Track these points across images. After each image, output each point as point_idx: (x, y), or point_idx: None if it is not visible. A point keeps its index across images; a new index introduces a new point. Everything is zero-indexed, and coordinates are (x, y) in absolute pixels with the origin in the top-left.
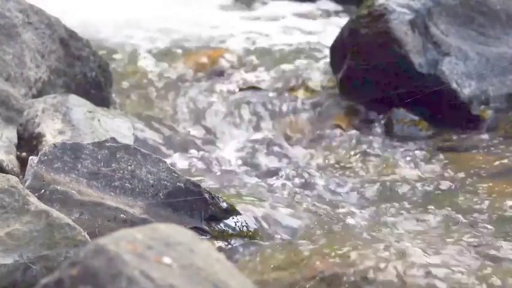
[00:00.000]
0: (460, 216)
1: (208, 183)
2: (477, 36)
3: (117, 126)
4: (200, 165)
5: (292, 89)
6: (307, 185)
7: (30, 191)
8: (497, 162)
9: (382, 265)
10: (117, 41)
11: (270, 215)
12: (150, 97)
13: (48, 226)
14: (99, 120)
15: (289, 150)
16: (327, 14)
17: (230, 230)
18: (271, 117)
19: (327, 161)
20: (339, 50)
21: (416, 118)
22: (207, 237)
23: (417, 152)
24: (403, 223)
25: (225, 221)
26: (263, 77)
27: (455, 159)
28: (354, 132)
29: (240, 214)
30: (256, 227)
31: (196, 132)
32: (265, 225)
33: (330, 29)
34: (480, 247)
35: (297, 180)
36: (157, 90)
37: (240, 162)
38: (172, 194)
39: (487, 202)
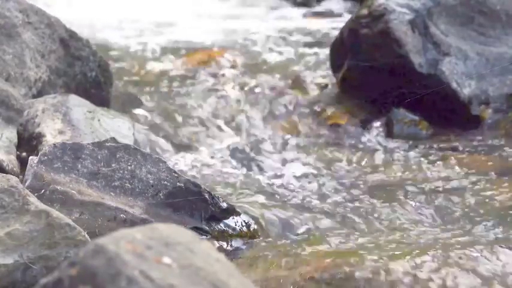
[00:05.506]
0: (460, 215)
1: (208, 183)
2: (477, 36)
3: (117, 126)
4: (200, 165)
5: (292, 89)
6: (307, 185)
7: (30, 191)
8: (497, 162)
9: (383, 265)
10: (117, 41)
11: (270, 215)
12: (151, 97)
13: (48, 226)
14: (99, 120)
15: (289, 150)
16: (327, 14)
17: (230, 230)
18: (271, 117)
19: (326, 161)
20: (338, 50)
21: (416, 118)
22: (207, 237)
23: (417, 152)
24: (403, 223)
25: (225, 221)
26: (263, 76)
27: (455, 159)
28: (354, 132)
29: (240, 214)
30: (256, 227)
31: (197, 132)
32: (265, 225)
33: (330, 29)
34: (480, 246)
35: (297, 180)
36: (157, 90)
37: (240, 162)
38: (172, 194)
39: (487, 202)
